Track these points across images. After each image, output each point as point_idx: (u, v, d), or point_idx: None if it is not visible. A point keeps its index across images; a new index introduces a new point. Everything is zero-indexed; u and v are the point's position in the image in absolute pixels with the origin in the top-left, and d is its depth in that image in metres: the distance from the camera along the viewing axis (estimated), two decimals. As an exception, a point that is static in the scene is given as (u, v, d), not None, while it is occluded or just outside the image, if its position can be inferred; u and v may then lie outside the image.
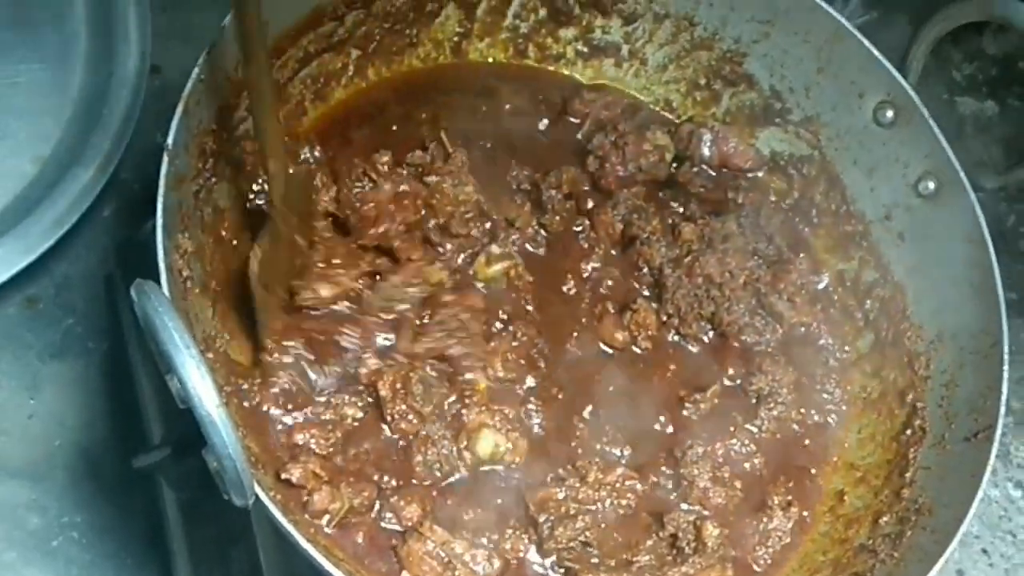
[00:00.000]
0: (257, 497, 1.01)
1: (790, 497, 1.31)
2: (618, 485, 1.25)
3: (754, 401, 1.36)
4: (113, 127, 1.48)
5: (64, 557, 1.39)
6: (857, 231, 1.45)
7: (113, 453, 1.43)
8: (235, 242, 1.26)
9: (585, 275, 1.39)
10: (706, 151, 1.49)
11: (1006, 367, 1.27)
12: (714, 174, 1.48)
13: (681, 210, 1.44)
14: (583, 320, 1.36)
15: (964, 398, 1.31)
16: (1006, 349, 1.28)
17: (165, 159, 1.11)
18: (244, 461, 0.96)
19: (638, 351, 1.36)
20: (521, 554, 1.22)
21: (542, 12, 1.48)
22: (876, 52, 1.38)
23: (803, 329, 1.42)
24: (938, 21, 1.37)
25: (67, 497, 1.41)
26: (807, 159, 1.48)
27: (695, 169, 1.47)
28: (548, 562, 1.22)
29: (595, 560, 1.22)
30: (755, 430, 1.35)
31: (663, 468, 1.29)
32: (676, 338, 1.38)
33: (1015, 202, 1.74)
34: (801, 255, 1.45)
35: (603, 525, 1.24)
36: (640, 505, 1.26)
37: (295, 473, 1.18)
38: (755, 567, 1.28)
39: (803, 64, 1.44)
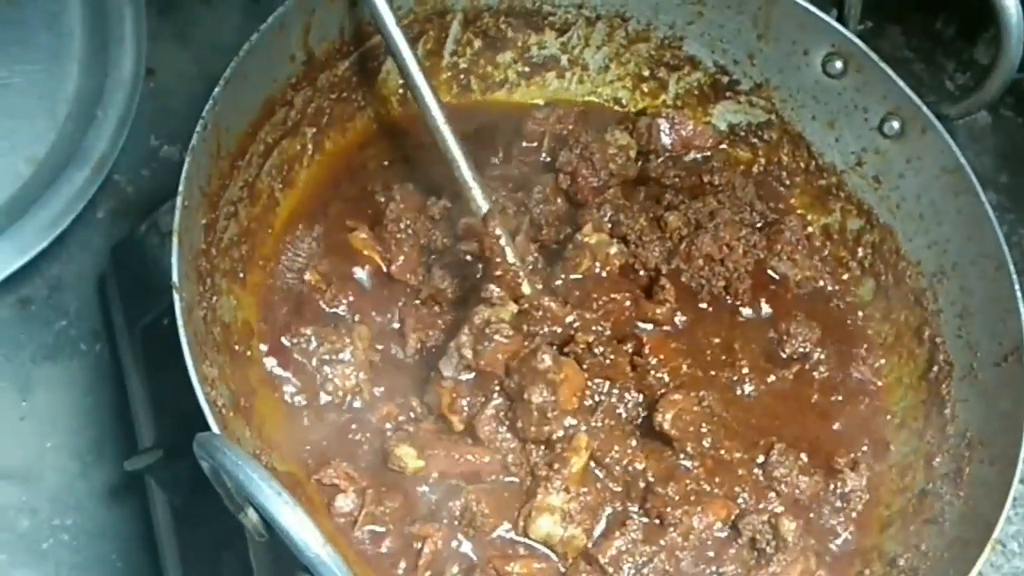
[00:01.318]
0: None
1: (854, 455, 1.32)
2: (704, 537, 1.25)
3: (796, 369, 1.37)
4: (108, 129, 1.48)
5: (54, 559, 1.39)
6: (831, 183, 1.47)
7: (105, 455, 1.44)
8: (248, 352, 1.25)
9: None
10: (666, 140, 1.49)
11: (1016, 286, 1.29)
12: (684, 160, 1.48)
13: (660, 202, 1.44)
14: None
15: (982, 325, 1.33)
16: (1012, 268, 1.30)
17: (177, 299, 1.09)
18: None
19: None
20: None
21: (477, 43, 1.47)
22: (812, 7, 1.39)
23: (810, 285, 1.44)
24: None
25: (58, 499, 1.42)
26: (765, 125, 1.49)
27: (660, 160, 1.48)
28: None
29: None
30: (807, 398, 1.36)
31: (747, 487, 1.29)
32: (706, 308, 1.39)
33: (1007, 212, 1.78)
34: (788, 216, 1.46)
35: (682, 552, 1.24)
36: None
37: (328, 473, 1.20)
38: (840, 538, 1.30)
39: (742, 35, 1.45)
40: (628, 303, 1.32)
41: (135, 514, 1.40)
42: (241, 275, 1.27)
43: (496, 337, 1.23)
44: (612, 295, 1.31)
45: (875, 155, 1.42)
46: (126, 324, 1.46)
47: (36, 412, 1.44)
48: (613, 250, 1.37)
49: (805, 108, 1.46)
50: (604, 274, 1.33)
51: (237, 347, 1.23)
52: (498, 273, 1.28)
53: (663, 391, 1.27)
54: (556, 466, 1.21)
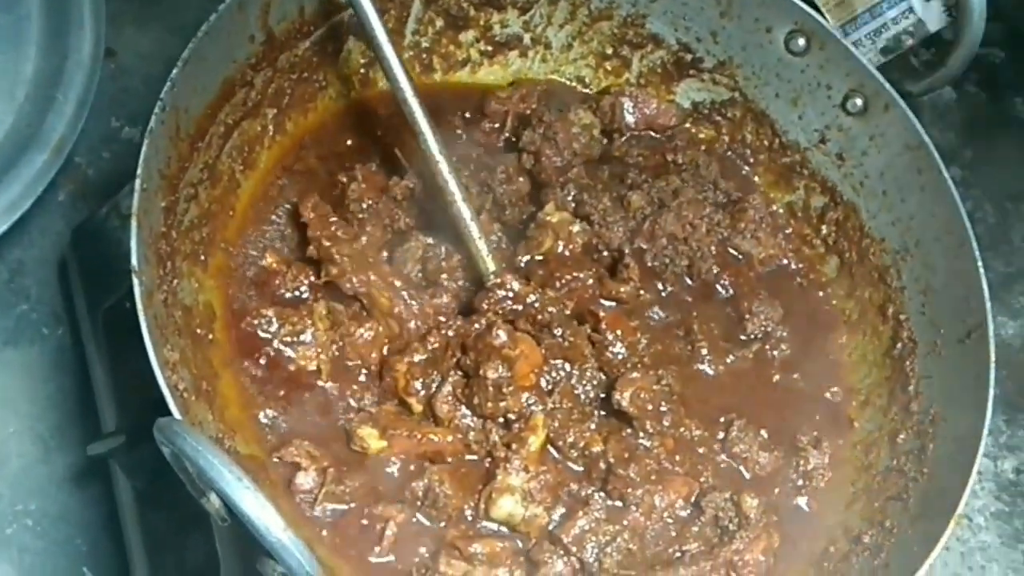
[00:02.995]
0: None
1: (816, 433, 1.32)
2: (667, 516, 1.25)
3: (756, 348, 1.37)
4: (68, 111, 1.46)
5: (18, 545, 1.38)
6: (795, 161, 1.47)
7: (67, 440, 1.43)
8: (210, 336, 1.24)
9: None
10: (630, 118, 1.49)
11: (979, 263, 1.29)
12: (646, 138, 1.48)
13: (624, 181, 1.44)
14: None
15: (946, 302, 1.33)
16: (974, 245, 1.30)
17: (136, 282, 1.08)
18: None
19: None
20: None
21: (439, 22, 1.46)
22: (774, -16, 1.39)
23: (774, 263, 1.44)
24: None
25: (20, 484, 1.41)
26: (729, 103, 1.49)
27: (624, 139, 1.47)
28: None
29: (646, 564, 1.22)
30: (768, 377, 1.36)
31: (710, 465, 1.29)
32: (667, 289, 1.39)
33: (971, 187, 1.79)
34: (751, 194, 1.46)
35: (645, 531, 1.24)
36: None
37: (289, 452, 1.19)
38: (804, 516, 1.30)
39: (704, 12, 1.45)
40: (591, 281, 1.32)
41: (99, 499, 1.39)
42: (203, 258, 1.26)
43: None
44: (575, 273, 1.31)
45: (838, 132, 1.42)
46: (87, 308, 1.45)
47: (-3, 397, 1.44)
48: (575, 228, 1.36)
49: (768, 86, 1.46)
50: (567, 253, 1.33)
51: (199, 330, 1.23)
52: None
53: (622, 369, 1.27)
54: (514, 446, 1.22)
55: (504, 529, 1.22)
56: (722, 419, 1.31)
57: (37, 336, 1.47)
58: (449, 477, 1.21)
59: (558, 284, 1.30)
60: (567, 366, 1.27)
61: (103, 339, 1.44)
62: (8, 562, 1.36)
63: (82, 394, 1.41)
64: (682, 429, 1.28)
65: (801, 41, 1.40)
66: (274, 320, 1.26)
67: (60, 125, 1.44)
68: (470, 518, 1.22)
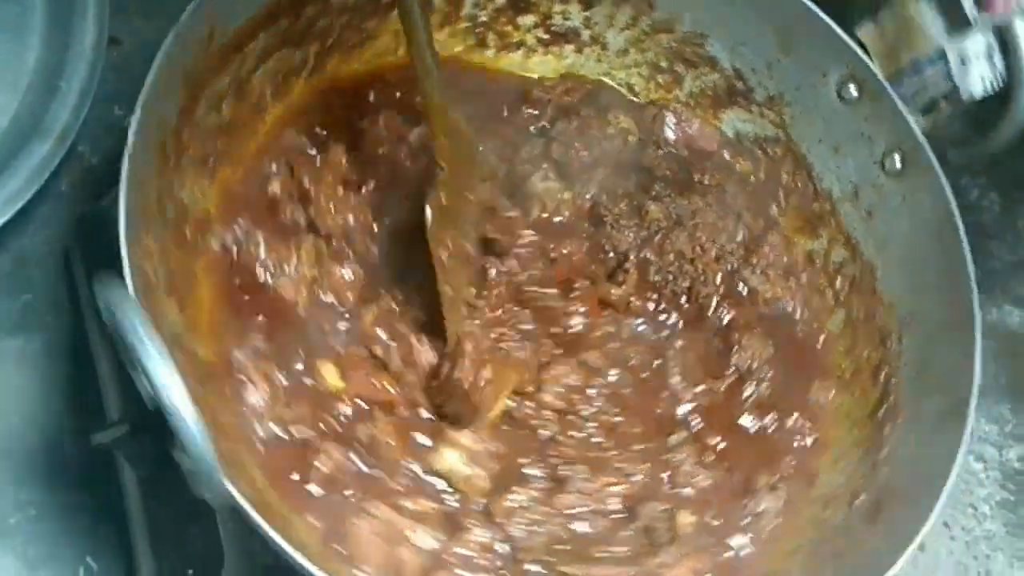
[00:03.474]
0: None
1: (777, 476, 1.30)
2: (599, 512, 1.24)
3: (731, 383, 1.35)
4: (71, 100, 1.44)
5: (22, 535, 1.36)
6: (825, 210, 1.45)
7: (71, 430, 1.41)
8: (199, 243, 1.25)
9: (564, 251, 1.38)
10: (670, 134, 1.48)
11: (978, 344, 1.27)
12: (681, 155, 1.47)
13: (646, 191, 1.44)
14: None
15: (937, 374, 1.30)
16: (978, 326, 1.27)
17: (126, 163, 1.09)
18: (216, 461, 0.95)
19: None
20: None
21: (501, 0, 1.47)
22: (837, 29, 1.38)
23: (778, 304, 1.42)
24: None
25: (25, 474, 1.39)
26: (772, 140, 1.48)
27: (660, 152, 1.47)
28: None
29: (568, 555, 1.21)
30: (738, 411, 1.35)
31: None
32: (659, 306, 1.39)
33: (976, 176, 1.75)
34: (772, 232, 1.45)
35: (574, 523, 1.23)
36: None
37: (247, 367, 1.19)
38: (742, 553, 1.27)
39: (764, 41, 1.44)
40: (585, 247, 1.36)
41: (103, 489, 1.38)
42: (211, 166, 1.27)
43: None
44: (567, 240, 1.36)
45: (872, 189, 1.40)
46: (92, 297, 1.46)
47: (1, 387, 1.44)
48: (566, 196, 1.39)
49: (814, 129, 1.44)
50: (555, 221, 1.37)
51: (188, 235, 1.23)
52: None
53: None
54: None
55: (441, 485, 1.21)
56: (667, 429, 1.30)
57: (41, 326, 1.46)
58: (395, 429, 1.21)
59: (552, 255, 1.32)
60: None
61: (108, 331, 1.45)
62: (12, 552, 1.36)
63: (86, 384, 1.41)
64: (619, 419, 1.27)
65: (853, 90, 1.39)
66: (263, 244, 1.26)
67: (63, 114, 1.44)
68: (408, 473, 1.21)
